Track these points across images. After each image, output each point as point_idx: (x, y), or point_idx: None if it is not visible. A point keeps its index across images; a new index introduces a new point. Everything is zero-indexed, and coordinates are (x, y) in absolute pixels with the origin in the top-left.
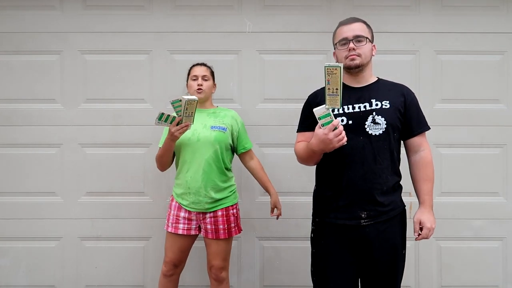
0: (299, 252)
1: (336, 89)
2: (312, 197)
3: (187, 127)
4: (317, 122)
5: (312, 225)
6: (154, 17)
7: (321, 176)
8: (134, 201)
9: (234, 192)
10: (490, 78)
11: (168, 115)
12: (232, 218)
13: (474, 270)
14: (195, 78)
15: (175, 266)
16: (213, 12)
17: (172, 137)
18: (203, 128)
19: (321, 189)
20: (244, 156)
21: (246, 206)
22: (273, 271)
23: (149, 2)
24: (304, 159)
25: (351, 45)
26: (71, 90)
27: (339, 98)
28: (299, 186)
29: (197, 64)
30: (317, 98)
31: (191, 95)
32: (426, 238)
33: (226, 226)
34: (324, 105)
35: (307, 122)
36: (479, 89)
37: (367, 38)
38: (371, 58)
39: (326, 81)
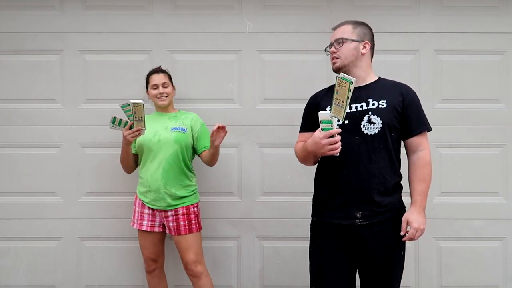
0: (299, 252)
1: (343, 101)
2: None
3: (139, 131)
4: (316, 124)
5: (311, 224)
6: (154, 17)
7: (318, 176)
8: None
9: (194, 193)
10: (490, 78)
11: (121, 120)
12: (192, 216)
13: (474, 270)
14: (156, 87)
15: (154, 261)
16: (213, 12)
17: (126, 141)
18: (164, 130)
19: (318, 188)
20: (203, 155)
21: (246, 206)
22: (273, 271)
23: (149, 2)
24: (301, 158)
25: (332, 48)
26: (71, 90)
27: (343, 111)
28: (299, 186)
29: (155, 72)
30: (317, 99)
31: (153, 102)
32: (413, 238)
33: (186, 223)
34: (330, 111)
35: (307, 123)
36: (479, 89)
37: (346, 39)
38: (357, 57)
39: (335, 91)
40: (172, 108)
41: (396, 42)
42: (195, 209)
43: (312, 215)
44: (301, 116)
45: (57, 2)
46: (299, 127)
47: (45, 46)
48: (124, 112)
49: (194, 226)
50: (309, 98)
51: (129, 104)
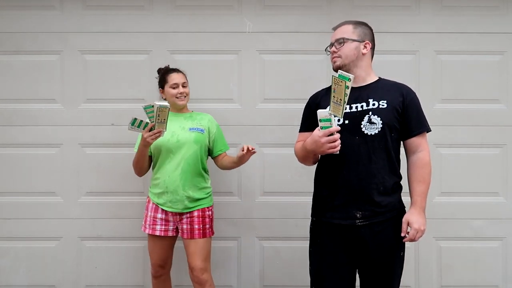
0: (299, 252)
1: (340, 99)
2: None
3: (159, 133)
4: (316, 124)
5: (310, 224)
6: (154, 17)
7: (318, 176)
8: (134, 201)
9: (210, 195)
10: (490, 78)
11: (141, 121)
12: (207, 219)
13: (474, 270)
14: (176, 86)
15: (161, 267)
16: (213, 12)
17: (145, 143)
18: (182, 130)
19: (318, 188)
20: (218, 158)
21: (246, 206)
22: (273, 271)
23: (149, 2)
24: (300, 157)
25: (333, 48)
26: (71, 90)
27: (341, 109)
28: (299, 186)
29: (173, 71)
30: (317, 99)
31: (171, 102)
32: (414, 239)
33: (201, 226)
34: (328, 109)
35: (307, 123)
36: (479, 89)
37: (347, 39)
38: (358, 57)
39: (332, 89)
40: (186, 108)
41: (396, 42)
42: (210, 212)
43: (312, 215)
44: (301, 116)
45: (57, 2)
46: (299, 127)
47: (45, 46)
48: (146, 113)
49: (208, 230)
50: (309, 97)
51: (152, 106)
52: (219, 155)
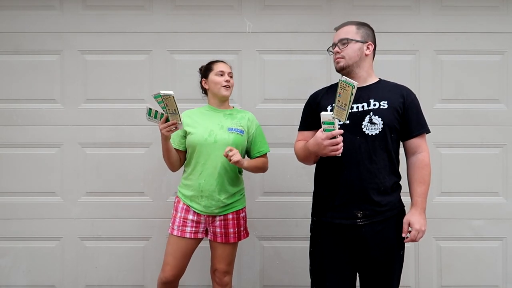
0: (299, 252)
1: (345, 104)
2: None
3: (174, 125)
4: (316, 123)
5: (311, 224)
6: (154, 17)
7: (319, 176)
8: (134, 201)
9: (243, 196)
10: (490, 78)
11: (156, 111)
12: (242, 221)
13: (474, 270)
14: (222, 73)
15: (174, 276)
16: (213, 12)
17: (162, 136)
18: (220, 130)
19: (318, 188)
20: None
21: (246, 206)
22: (273, 271)
23: (149, 2)
24: (301, 157)
25: (336, 49)
26: (71, 90)
27: (345, 113)
28: (299, 186)
29: (220, 61)
30: (317, 98)
31: (215, 93)
32: (415, 240)
33: (236, 229)
34: (332, 112)
35: (307, 121)
36: (479, 89)
37: (350, 39)
38: (361, 57)
39: (338, 94)
40: (227, 104)
41: (396, 42)
42: (244, 213)
43: (312, 215)
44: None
45: (57, 2)
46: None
47: (45, 46)
48: (158, 103)
49: (242, 233)
50: (309, 96)
51: (161, 95)
52: (257, 157)
